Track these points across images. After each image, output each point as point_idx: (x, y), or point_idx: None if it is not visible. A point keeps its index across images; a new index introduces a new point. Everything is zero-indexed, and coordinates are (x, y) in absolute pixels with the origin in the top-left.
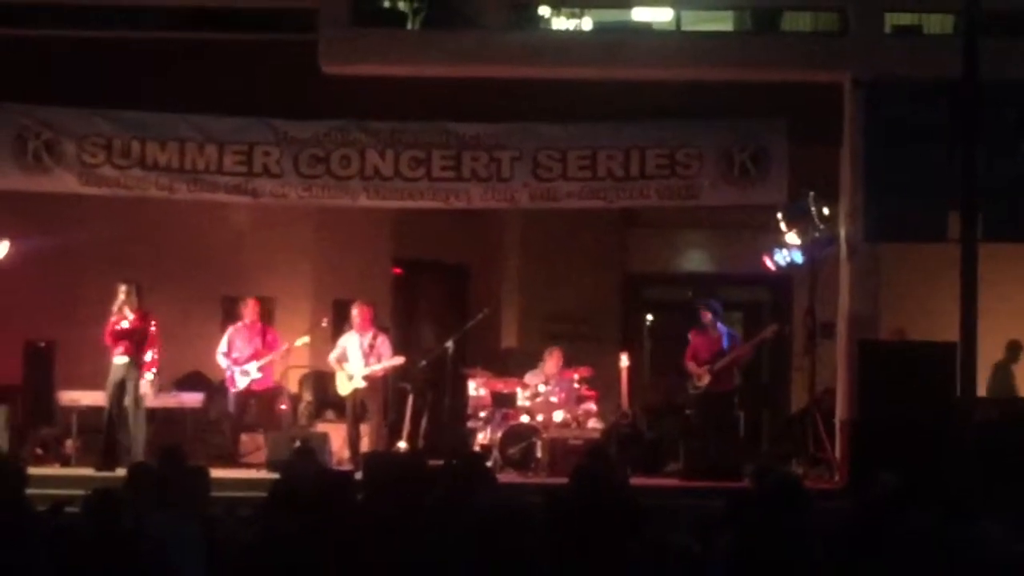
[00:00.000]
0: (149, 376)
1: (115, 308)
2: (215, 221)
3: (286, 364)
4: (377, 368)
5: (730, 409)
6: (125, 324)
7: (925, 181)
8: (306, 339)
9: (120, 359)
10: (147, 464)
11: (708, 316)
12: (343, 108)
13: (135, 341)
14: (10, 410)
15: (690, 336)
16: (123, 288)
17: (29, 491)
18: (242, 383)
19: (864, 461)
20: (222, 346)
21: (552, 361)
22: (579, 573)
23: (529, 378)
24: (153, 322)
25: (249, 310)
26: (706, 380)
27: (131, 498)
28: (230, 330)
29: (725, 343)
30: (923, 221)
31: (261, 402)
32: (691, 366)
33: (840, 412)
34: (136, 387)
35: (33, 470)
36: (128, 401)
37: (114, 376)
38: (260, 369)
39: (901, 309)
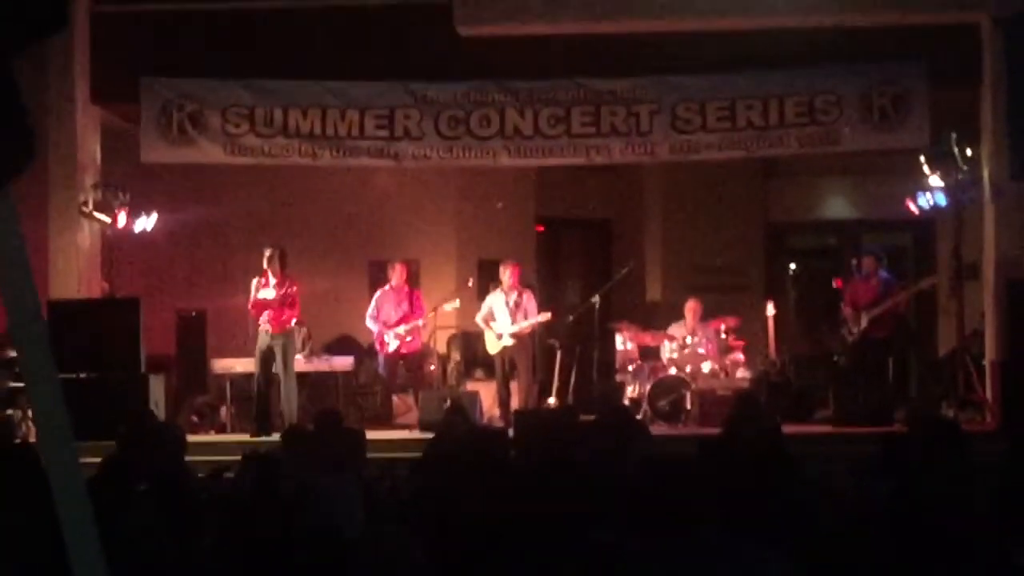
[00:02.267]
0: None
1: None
2: (359, 186)
3: (434, 325)
4: (525, 325)
5: (884, 356)
6: (270, 290)
7: None
8: (456, 303)
9: (267, 326)
10: (302, 427)
11: (872, 264)
12: (480, 68)
13: (280, 307)
14: (165, 379)
15: (838, 283)
16: (267, 253)
17: (188, 458)
18: (392, 346)
19: (1017, 402)
20: (370, 310)
21: (690, 312)
22: (737, 520)
23: (675, 330)
24: (295, 287)
25: (396, 273)
26: (862, 326)
27: (289, 461)
28: (378, 294)
29: (883, 291)
30: None
31: (410, 364)
32: (848, 311)
33: (990, 353)
34: (285, 353)
35: (190, 437)
36: (277, 368)
37: (262, 343)
38: (409, 332)
39: None
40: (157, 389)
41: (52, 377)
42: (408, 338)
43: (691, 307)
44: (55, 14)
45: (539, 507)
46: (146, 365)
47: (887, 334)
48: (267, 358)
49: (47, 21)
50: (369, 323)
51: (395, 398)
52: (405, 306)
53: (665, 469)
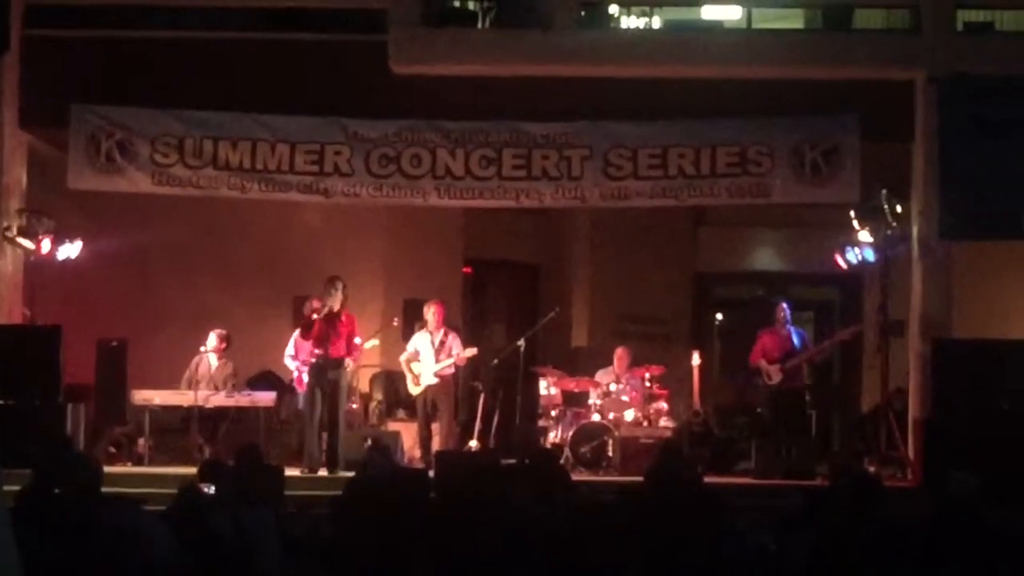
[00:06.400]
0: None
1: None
2: (286, 221)
3: (357, 364)
4: (449, 361)
5: (802, 406)
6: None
7: (1000, 178)
8: (375, 342)
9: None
10: (221, 462)
11: (785, 312)
12: (413, 107)
13: None
14: (84, 409)
15: (759, 334)
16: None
17: (104, 489)
18: None
19: (938, 460)
20: (289, 348)
21: (619, 360)
22: (656, 571)
23: (600, 377)
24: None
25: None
26: (778, 378)
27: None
28: (296, 332)
29: (796, 341)
30: (998, 218)
31: None
32: (762, 364)
33: (913, 411)
34: None
35: (106, 469)
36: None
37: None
38: None
39: (972, 307)
40: (75, 418)
41: None
42: None
43: (620, 355)
44: None
45: (459, 549)
46: (65, 394)
47: (802, 384)
48: None
49: None
50: (288, 362)
51: None
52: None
53: (588, 515)
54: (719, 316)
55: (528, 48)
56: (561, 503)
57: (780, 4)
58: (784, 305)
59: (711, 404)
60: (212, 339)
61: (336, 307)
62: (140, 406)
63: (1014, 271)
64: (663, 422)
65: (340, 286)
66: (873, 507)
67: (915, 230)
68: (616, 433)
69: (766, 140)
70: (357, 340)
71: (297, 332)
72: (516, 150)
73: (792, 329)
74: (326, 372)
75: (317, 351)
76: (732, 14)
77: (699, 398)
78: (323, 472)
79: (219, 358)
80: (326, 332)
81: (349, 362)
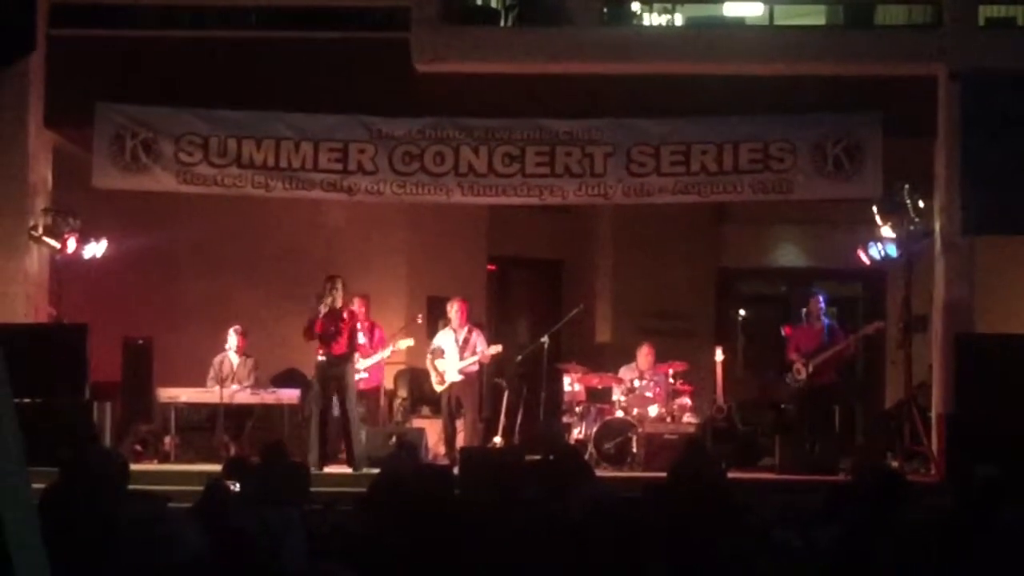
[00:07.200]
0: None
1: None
2: (310, 219)
3: (382, 361)
4: (474, 359)
5: (829, 403)
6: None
7: (1022, 173)
8: (410, 342)
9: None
10: (246, 459)
11: (819, 304)
12: (437, 105)
13: None
14: (110, 407)
15: (787, 331)
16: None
17: (130, 486)
18: None
19: (961, 455)
20: None
21: (644, 356)
22: (680, 567)
23: (624, 373)
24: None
25: (356, 307)
26: (806, 374)
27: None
28: None
29: (826, 337)
30: (1021, 213)
31: (366, 400)
32: (794, 357)
33: (936, 406)
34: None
35: (132, 466)
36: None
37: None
38: (367, 369)
39: (994, 302)
40: (102, 416)
41: (7, 403)
42: (366, 375)
43: (644, 351)
44: (22, 39)
45: (484, 545)
46: (91, 392)
47: (830, 381)
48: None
49: (13, 46)
50: None
51: None
52: (364, 340)
53: (611, 512)
54: (742, 312)
55: (551, 45)
56: (585, 499)
57: (802, 1)
58: (820, 297)
59: (734, 400)
60: (233, 337)
61: (338, 305)
62: (166, 404)
63: None
64: (687, 418)
65: (340, 284)
66: (897, 502)
67: (937, 225)
68: (640, 429)
69: (788, 136)
70: (362, 339)
71: None
72: (539, 147)
73: (826, 323)
74: (330, 370)
75: (322, 350)
76: (754, 11)
77: (722, 394)
78: (332, 468)
79: (240, 355)
80: (328, 330)
81: (358, 357)
